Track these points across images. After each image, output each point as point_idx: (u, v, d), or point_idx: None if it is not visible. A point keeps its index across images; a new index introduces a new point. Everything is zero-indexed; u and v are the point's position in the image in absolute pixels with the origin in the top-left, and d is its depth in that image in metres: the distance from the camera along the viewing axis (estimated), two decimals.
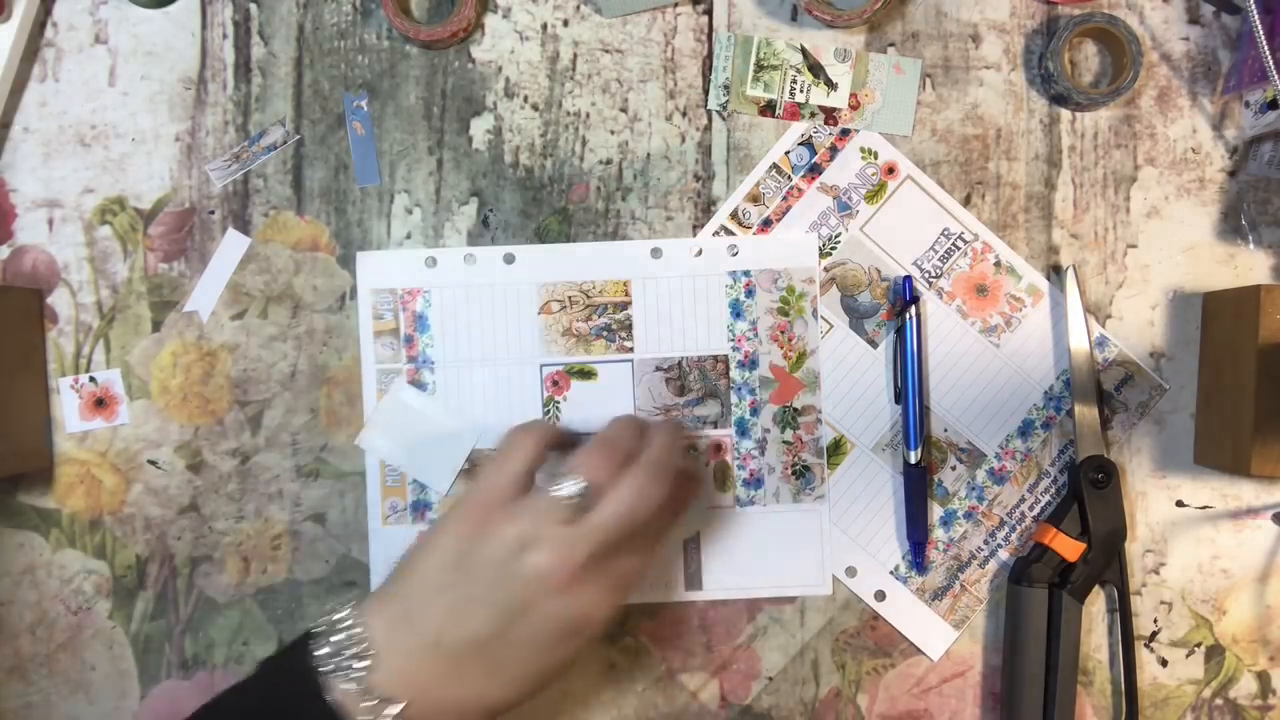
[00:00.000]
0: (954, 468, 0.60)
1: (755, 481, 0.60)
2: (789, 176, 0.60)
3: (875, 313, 0.60)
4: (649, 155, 0.60)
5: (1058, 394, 0.60)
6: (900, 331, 0.59)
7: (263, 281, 0.60)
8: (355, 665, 0.46)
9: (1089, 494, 0.58)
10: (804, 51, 0.60)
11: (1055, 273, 0.60)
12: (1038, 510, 0.61)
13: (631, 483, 0.49)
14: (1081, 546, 0.58)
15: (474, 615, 0.47)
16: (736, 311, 0.60)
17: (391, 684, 0.46)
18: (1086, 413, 0.59)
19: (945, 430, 0.60)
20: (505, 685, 0.48)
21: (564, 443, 0.54)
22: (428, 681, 0.47)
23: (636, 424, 0.53)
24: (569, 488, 0.48)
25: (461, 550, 0.48)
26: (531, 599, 0.47)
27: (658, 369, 0.60)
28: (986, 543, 0.61)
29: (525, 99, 0.60)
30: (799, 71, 0.60)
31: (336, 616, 0.47)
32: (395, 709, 0.45)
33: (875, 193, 0.60)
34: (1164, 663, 0.61)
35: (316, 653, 0.46)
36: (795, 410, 0.60)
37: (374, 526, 0.60)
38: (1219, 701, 0.61)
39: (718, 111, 0.60)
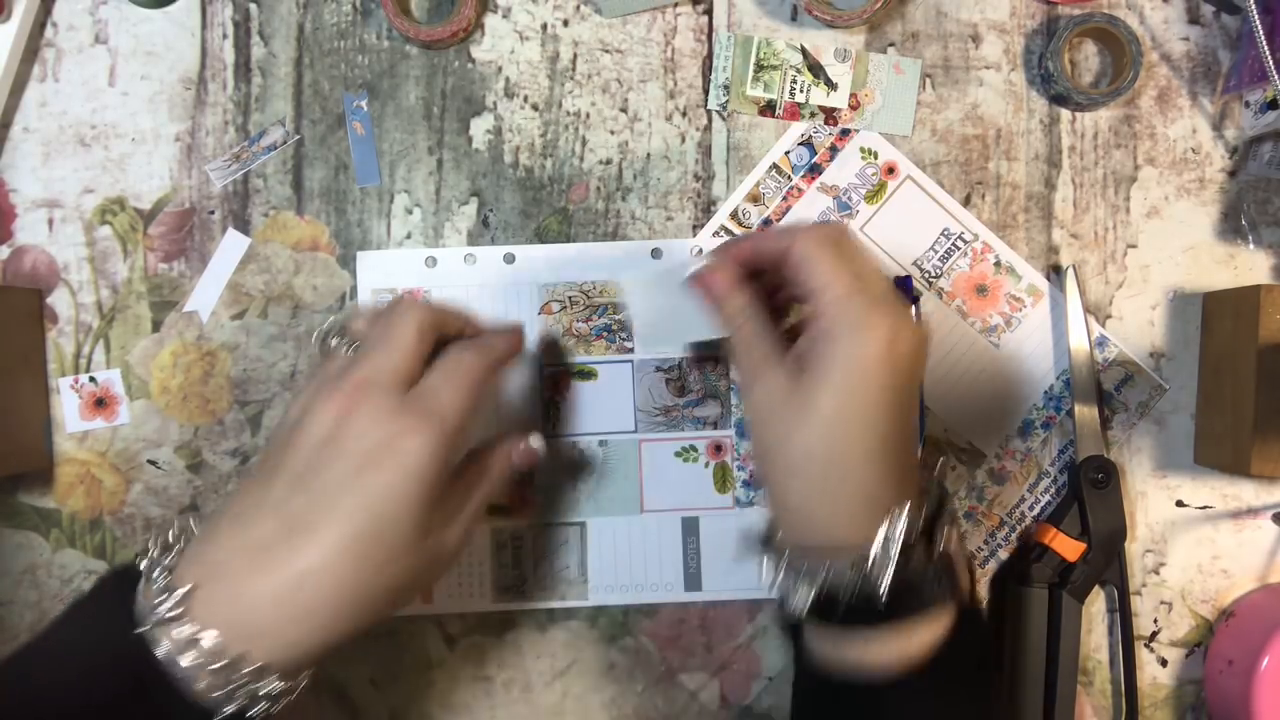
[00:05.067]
0: (954, 468, 0.60)
1: (755, 482, 0.60)
2: (789, 176, 0.60)
3: None
4: (649, 155, 0.60)
5: (1058, 394, 0.60)
6: None
7: (263, 281, 0.60)
8: (163, 561, 0.43)
9: (1089, 494, 0.58)
10: (804, 51, 0.60)
11: (1055, 273, 0.60)
12: (1038, 510, 0.61)
13: (399, 322, 0.47)
14: (1081, 546, 0.58)
15: (271, 480, 0.44)
16: None
17: (189, 569, 0.43)
18: (1086, 412, 0.59)
19: (945, 430, 0.60)
20: (311, 547, 0.42)
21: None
22: (224, 560, 0.43)
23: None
24: (337, 329, 0.49)
25: (272, 437, 0.47)
26: (318, 432, 0.44)
27: (658, 369, 0.60)
28: (986, 543, 0.61)
29: (525, 99, 0.60)
30: (799, 71, 0.60)
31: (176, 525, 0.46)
32: (179, 593, 0.41)
33: (875, 193, 0.60)
34: (1164, 663, 0.61)
35: (141, 562, 0.44)
36: None
37: None
38: None
39: (718, 111, 0.60)
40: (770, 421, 0.46)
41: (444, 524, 0.46)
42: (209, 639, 0.41)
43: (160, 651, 0.41)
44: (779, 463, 0.45)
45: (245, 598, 0.42)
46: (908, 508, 0.43)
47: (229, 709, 0.42)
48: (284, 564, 0.42)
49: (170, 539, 0.45)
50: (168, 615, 0.41)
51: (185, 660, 0.41)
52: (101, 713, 0.41)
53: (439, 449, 0.44)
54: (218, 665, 0.41)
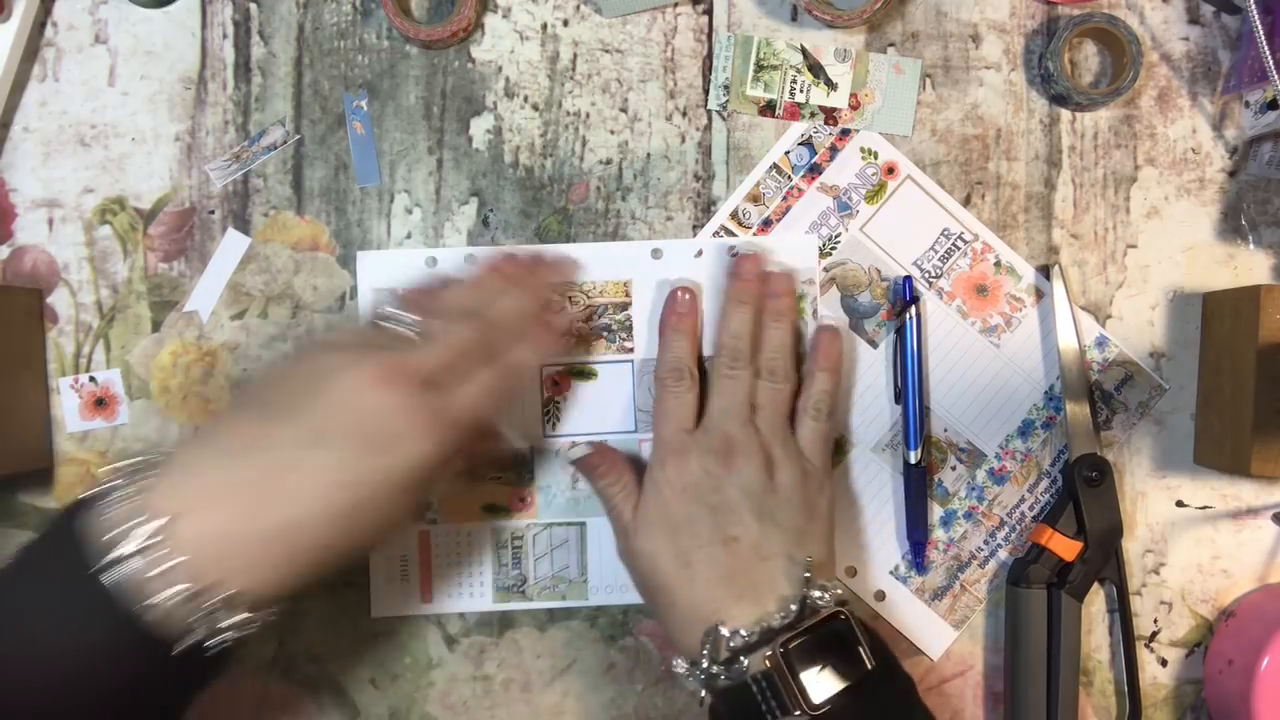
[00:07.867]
0: (954, 468, 0.60)
1: None
2: (789, 176, 0.60)
3: (875, 313, 0.60)
4: (649, 155, 0.60)
5: (1058, 394, 0.60)
6: (900, 331, 0.59)
7: (263, 281, 0.60)
8: (136, 483, 0.43)
9: (1084, 492, 0.58)
10: (804, 51, 0.60)
11: (1044, 273, 0.60)
12: (1037, 510, 0.61)
13: (454, 325, 0.49)
14: (1078, 546, 0.58)
15: (273, 419, 0.45)
16: None
17: (166, 500, 0.42)
18: (1078, 411, 0.59)
19: (945, 430, 0.61)
20: (298, 500, 0.44)
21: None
22: (209, 496, 0.43)
23: (492, 279, 0.53)
24: (401, 317, 0.50)
25: (276, 376, 0.48)
26: (340, 397, 0.45)
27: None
28: (986, 543, 0.61)
29: (525, 99, 0.60)
30: (799, 71, 0.60)
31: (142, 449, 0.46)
32: (159, 523, 0.42)
33: (875, 193, 0.60)
34: (1164, 663, 0.61)
35: (100, 472, 0.45)
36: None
37: None
38: None
39: (718, 111, 0.60)
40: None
41: (429, 490, 0.53)
42: (184, 567, 0.41)
43: (124, 576, 0.41)
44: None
45: (230, 534, 0.43)
46: (724, 625, 0.49)
47: (188, 640, 0.42)
48: (275, 507, 0.44)
49: (131, 470, 0.44)
50: (145, 544, 0.41)
51: (152, 586, 0.41)
52: (67, 650, 0.42)
53: (438, 451, 0.46)
54: (189, 593, 0.41)
